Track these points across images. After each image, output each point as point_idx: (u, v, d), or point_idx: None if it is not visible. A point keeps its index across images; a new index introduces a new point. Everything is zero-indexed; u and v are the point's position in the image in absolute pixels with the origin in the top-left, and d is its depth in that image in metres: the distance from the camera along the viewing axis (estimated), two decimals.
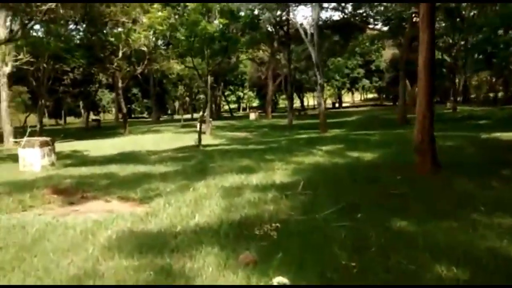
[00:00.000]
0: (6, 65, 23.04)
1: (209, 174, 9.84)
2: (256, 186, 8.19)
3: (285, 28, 30.99)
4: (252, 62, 61.68)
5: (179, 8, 16.28)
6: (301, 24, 25.32)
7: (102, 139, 28.24)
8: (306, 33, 22.94)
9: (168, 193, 7.97)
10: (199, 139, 16.44)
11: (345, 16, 28.81)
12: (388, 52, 65.59)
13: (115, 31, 22.36)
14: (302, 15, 35.46)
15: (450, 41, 44.50)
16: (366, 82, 65.65)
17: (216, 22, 14.86)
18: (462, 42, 42.33)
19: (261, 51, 47.59)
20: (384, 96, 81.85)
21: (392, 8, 25.83)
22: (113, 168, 11.73)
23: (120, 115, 57.49)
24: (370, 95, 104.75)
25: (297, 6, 27.55)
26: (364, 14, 28.64)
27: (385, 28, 31.96)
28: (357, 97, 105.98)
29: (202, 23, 14.39)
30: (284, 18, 29.87)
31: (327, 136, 20.23)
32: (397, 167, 9.34)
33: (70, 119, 73.88)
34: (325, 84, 68.55)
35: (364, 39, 45.07)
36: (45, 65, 34.82)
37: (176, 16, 15.18)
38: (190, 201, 7.25)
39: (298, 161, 11.29)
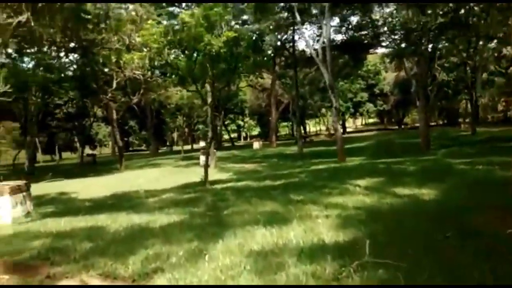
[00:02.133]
0: None
1: (226, 227, 7.33)
2: (299, 249, 5.66)
3: (290, 49, 28.92)
4: (253, 90, 59.93)
5: (176, 22, 13.94)
6: (312, 44, 23.25)
7: (95, 177, 25.75)
8: (317, 53, 20.81)
9: (174, 266, 5.44)
10: (206, 175, 13.93)
11: (354, 34, 26.78)
12: (391, 75, 64.08)
13: (104, 53, 20.33)
14: (308, 36, 33.71)
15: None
16: (370, 106, 63.59)
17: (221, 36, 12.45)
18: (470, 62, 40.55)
19: (262, 76, 45.63)
20: (387, 120, 79.96)
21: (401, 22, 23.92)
22: (101, 219, 9.19)
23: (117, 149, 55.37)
24: (371, 120, 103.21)
25: (304, 26, 25.57)
26: (374, 32, 26.62)
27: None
28: (358, 122, 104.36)
29: (206, 37, 12.03)
30: (289, 38, 27.84)
31: (350, 165, 17.74)
32: (492, 212, 6.82)
33: (66, 154, 71.54)
34: (327, 110, 66.75)
35: (369, 61, 43.39)
36: (33, 98, 32.63)
37: (172, 34, 12.75)
38: (206, 281, 4.76)
39: (338, 203, 8.78)
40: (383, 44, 29.40)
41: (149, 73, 30.54)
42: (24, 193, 10.56)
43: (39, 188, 19.86)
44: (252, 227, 7.17)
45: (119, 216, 9.40)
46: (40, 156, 64.14)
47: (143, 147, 74.07)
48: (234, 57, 13.74)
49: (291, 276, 4.73)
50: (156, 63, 14.57)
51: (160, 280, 5.05)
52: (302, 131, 75.88)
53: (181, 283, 4.91)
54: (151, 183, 18.43)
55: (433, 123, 75.83)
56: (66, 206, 12.41)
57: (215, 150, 24.81)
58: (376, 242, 5.46)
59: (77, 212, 10.81)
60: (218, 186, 13.37)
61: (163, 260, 5.68)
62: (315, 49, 21.52)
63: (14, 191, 10.18)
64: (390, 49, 28.39)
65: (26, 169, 29.94)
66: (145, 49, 15.87)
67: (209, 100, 19.18)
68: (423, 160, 17.71)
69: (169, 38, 12.80)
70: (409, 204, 8.24)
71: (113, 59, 17.35)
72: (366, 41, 27.24)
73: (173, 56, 15.10)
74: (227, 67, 14.14)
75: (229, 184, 13.73)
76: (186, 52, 13.79)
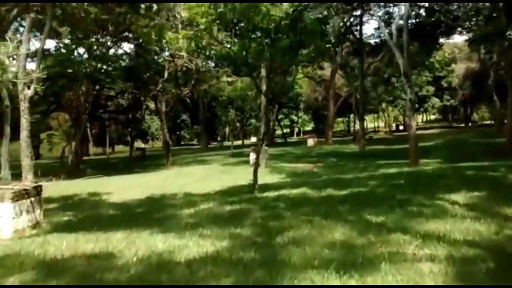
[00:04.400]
0: (29, 87, 19.34)
1: (279, 270, 4.92)
2: None
3: (356, 34, 25.90)
4: (309, 82, 56.94)
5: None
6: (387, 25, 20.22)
7: (139, 174, 24.18)
8: (391, 35, 17.88)
9: None
10: (255, 180, 11.54)
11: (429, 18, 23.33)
12: (460, 67, 58.92)
13: (144, 30, 18.63)
14: (379, 15, 30.30)
15: None
16: (436, 100, 58.48)
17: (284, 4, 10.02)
18: None
19: (322, 66, 42.68)
20: (454, 117, 74.23)
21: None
22: (116, 240, 7.04)
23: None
24: (432, 116, 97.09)
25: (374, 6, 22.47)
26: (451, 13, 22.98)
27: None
28: (419, 118, 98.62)
29: (263, 6, 9.61)
30: (355, 22, 24.86)
31: (428, 171, 14.71)
32: None
33: (119, 147, 71.95)
34: (388, 105, 62.48)
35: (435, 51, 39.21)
36: (83, 88, 31.71)
37: (223, 5, 10.44)
38: None
39: (440, 232, 6.08)
40: (460, 29, 25.61)
41: (201, 62, 28.73)
42: (32, 199, 8.62)
43: (73, 186, 18.41)
44: (320, 273, 4.72)
45: (140, 236, 7.22)
46: (92, 149, 64.75)
47: (194, 142, 73.20)
48: (297, 32, 11.14)
49: None
50: (204, 43, 12.29)
51: None
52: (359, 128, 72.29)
53: None
54: (194, 184, 16.37)
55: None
56: (88, 214, 10.46)
57: (266, 148, 22.40)
58: None
59: (96, 223, 8.79)
60: (269, 194, 10.93)
61: None
62: (389, 32, 18.53)
63: (18, 196, 8.26)
64: (470, 34, 24.56)
65: (69, 162, 28.95)
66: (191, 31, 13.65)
67: (264, 88, 16.79)
68: None
69: (219, 10, 10.51)
70: None
71: (154, 38, 15.38)
72: (443, 24, 23.71)
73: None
74: (289, 46, 11.60)
75: (283, 192, 11.25)
76: (238, 29, 11.47)
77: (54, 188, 18.28)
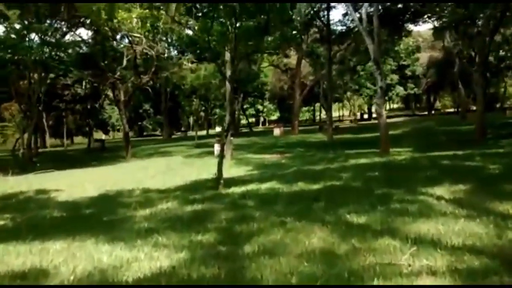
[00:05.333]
0: None
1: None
2: None
3: (324, 20, 25.06)
4: (275, 71, 56.05)
5: None
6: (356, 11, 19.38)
7: (96, 167, 22.68)
8: (361, 20, 17.10)
9: None
10: (219, 174, 10.50)
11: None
12: (424, 56, 59.46)
13: (93, 8, 16.95)
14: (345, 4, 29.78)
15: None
16: (400, 89, 58.79)
17: None
18: None
19: (287, 55, 41.79)
20: (416, 105, 75.25)
21: None
22: (54, 252, 5.89)
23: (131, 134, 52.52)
24: (395, 105, 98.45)
25: None
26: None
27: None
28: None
29: None
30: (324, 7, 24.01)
31: (401, 160, 14.10)
32: None
33: (78, 139, 69.17)
34: (353, 94, 62.55)
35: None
36: (35, 76, 29.63)
37: None
38: None
39: (433, 235, 5.28)
40: (427, 16, 25.16)
41: (161, 48, 27.29)
42: None
43: (20, 182, 16.85)
44: None
45: (82, 246, 6.09)
46: (49, 141, 61.80)
47: (157, 132, 71.23)
48: (265, 11, 10.07)
49: None
50: (161, 24, 11.08)
51: None
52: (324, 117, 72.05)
53: None
54: (154, 178, 15.16)
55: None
56: (29, 216, 9.14)
57: (232, 138, 21.35)
58: None
59: (35, 229, 7.56)
60: (236, 190, 9.93)
61: None
62: (359, 17, 17.77)
63: None
64: (436, 21, 24.15)
65: (21, 156, 26.95)
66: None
67: (228, 74, 15.67)
68: (494, 154, 14.03)
69: None
70: None
71: (104, 17, 13.76)
72: (412, 9, 23.17)
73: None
74: (255, 26, 10.54)
75: (250, 187, 10.28)
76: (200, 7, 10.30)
77: (4, 184, 16.69)
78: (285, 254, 5.00)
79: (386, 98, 61.15)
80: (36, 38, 27.43)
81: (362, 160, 14.85)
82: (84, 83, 40.48)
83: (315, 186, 9.64)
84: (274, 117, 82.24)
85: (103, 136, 66.99)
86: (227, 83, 19.28)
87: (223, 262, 4.88)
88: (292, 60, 50.34)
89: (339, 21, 31.28)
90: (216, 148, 21.98)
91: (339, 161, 15.56)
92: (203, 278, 4.47)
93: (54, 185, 14.74)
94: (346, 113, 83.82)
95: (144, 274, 4.70)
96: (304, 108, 76.19)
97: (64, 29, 30.80)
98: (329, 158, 17.21)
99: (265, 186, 10.26)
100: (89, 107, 46.54)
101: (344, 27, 35.54)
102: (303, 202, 7.97)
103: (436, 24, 25.84)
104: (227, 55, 14.94)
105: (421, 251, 4.72)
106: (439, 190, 8.04)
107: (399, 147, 19.74)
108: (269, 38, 19.27)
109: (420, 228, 5.65)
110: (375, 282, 4.02)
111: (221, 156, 10.59)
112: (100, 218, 8.12)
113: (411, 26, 29.96)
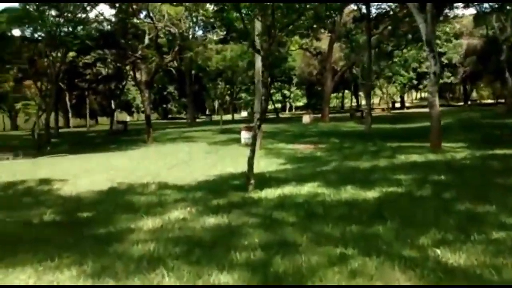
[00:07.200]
0: None
1: None
2: None
3: None
4: (304, 55, 53.49)
5: None
6: None
7: (114, 152, 21.08)
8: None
9: None
10: (250, 173, 8.55)
11: None
12: (462, 43, 55.83)
13: (134, 6, 14.90)
14: None
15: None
16: None
17: None
18: None
19: (318, 37, 39.30)
20: (450, 95, 71.57)
21: None
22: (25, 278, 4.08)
23: (156, 116, 51.11)
24: (423, 95, 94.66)
25: None
26: None
27: None
28: (413, 96, 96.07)
29: None
30: None
31: (465, 161, 11.83)
32: None
33: (103, 119, 68.39)
34: (385, 82, 59.48)
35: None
36: (53, 54, 28.23)
37: None
38: None
39: None
40: None
41: (185, 26, 25.41)
42: None
43: (26, 168, 15.32)
44: None
45: (64, 273, 4.26)
46: (73, 121, 61.07)
47: (182, 115, 69.79)
48: None
49: None
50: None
51: None
52: (355, 104, 69.14)
53: None
54: (173, 169, 13.36)
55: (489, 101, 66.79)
56: (14, 218, 7.40)
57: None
58: None
59: (8, 243, 5.78)
60: (270, 194, 7.96)
61: None
62: None
63: None
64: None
65: (36, 136, 25.64)
66: None
67: (258, 60, 13.68)
68: None
69: None
70: None
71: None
72: None
73: None
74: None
75: (287, 189, 8.29)
76: None
77: (9, 169, 15.24)
78: None
79: (421, 86, 58.08)
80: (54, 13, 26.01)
81: (414, 157, 12.70)
82: (106, 63, 39.06)
83: (370, 194, 7.60)
84: (301, 103, 79.74)
85: (127, 118, 66.00)
86: (257, 63, 17.29)
87: None
88: (323, 44, 47.76)
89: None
90: (244, 135, 20.09)
91: (385, 157, 13.42)
92: None
93: (62, 172, 13.14)
94: (376, 101, 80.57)
95: None
96: (333, 95, 73.39)
97: (85, 5, 29.25)
98: (372, 152, 15.08)
99: (305, 189, 8.28)
100: (113, 87, 45.19)
101: (380, 9, 33.10)
102: (362, 219, 5.96)
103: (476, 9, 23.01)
104: (258, 28, 12.86)
105: None
106: None
107: (449, 141, 17.37)
108: (302, 18, 17.18)
109: None
110: None
111: (253, 150, 8.60)
112: (95, 229, 6.30)
113: (456, 11, 27.20)
